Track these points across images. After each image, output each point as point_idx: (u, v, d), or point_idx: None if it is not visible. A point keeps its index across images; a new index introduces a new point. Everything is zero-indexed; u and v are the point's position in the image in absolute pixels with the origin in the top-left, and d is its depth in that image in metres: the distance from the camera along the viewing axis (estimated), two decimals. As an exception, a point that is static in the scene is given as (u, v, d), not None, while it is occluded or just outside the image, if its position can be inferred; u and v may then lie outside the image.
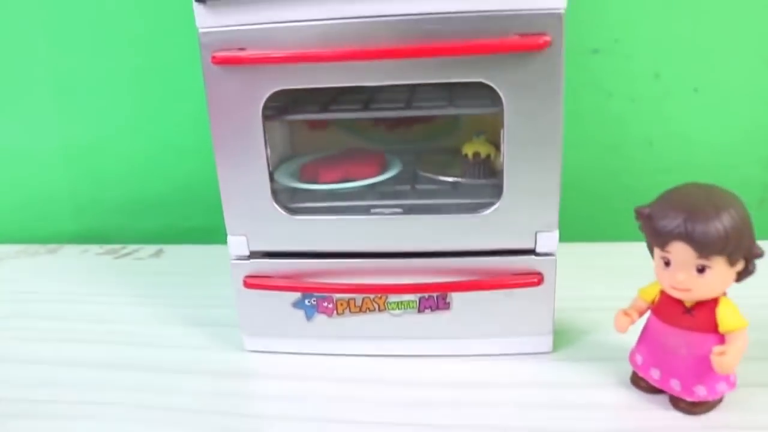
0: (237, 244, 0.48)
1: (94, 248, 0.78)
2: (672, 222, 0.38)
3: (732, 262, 0.38)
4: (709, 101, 0.74)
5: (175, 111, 0.80)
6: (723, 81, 0.74)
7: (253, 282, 0.49)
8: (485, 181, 0.48)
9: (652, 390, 0.44)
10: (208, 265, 0.69)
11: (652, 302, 0.43)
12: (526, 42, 0.40)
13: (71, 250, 0.78)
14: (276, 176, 0.50)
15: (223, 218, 0.48)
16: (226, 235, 0.49)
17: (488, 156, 0.50)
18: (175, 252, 0.75)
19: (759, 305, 0.52)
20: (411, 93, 0.52)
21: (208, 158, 0.48)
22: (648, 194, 0.77)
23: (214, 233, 0.66)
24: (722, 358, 0.39)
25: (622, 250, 0.59)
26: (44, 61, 0.80)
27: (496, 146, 0.50)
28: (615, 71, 0.74)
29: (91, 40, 0.78)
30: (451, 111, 0.49)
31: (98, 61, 0.79)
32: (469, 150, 0.50)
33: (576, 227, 0.76)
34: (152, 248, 0.77)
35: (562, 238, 0.60)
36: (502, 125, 0.43)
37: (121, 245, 0.78)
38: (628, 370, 0.46)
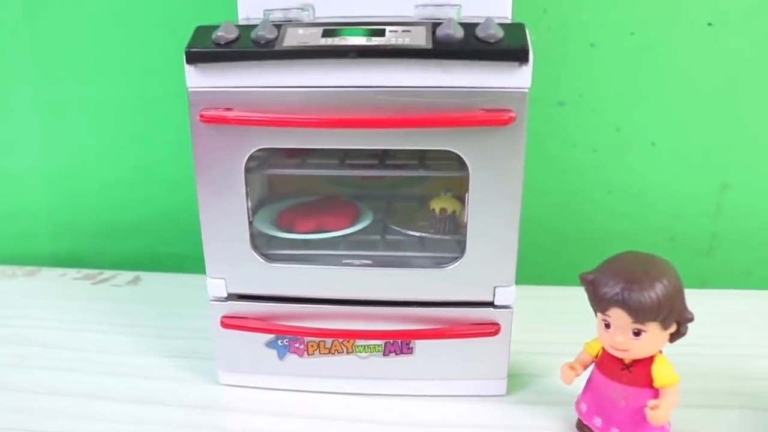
0: (216, 286, 0.52)
1: (72, 272, 0.80)
2: (611, 290, 0.42)
3: (665, 327, 0.43)
4: (665, 154, 0.79)
5: (154, 139, 0.83)
6: (678, 136, 0.79)
7: (229, 322, 0.52)
8: (450, 237, 0.52)
9: (594, 436, 0.48)
10: (184, 294, 0.72)
11: (596, 356, 0.47)
12: (492, 117, 0.44)
13: (49, 274, 0.80)
14: (255, 222, 0.53)
15: (198, 245, 0.51)
16: (201, 262, 0.51)
17: (454, 212, 0.54)
18: (152, 279, 0.78)
19: (695, 354, 0.57)
20: (385, 151, 0.55)
21: (185, 187, 0.51)
22: (607, 239, 0.82)
23: (189, 260, 0.69)
24: (656, 412, 0.43)
25: (578, 295, 0.63)
26: (28, 85, 0.82)
27: (462, 203, 0.54)
28: (579, 123, 0.79)
29: (75, 67, 0.81)
30: (421, 173, 0.53)
31: (81, 88, 0.82)
32: (436, 206, 0.54)
33: (537, 270, 0.81)
34: (129, 275, 0.79)
35: (523, 281, 0.64)
36: (467, 189, 0.47)
37: (98, 270, 0.80)
38: (575, 415, 0.50)
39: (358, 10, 0.55)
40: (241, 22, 0.56)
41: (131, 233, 0.86)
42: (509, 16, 0.57)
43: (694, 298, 0.70)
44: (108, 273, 0.80)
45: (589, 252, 0.82)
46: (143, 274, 0.79)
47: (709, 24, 0.74)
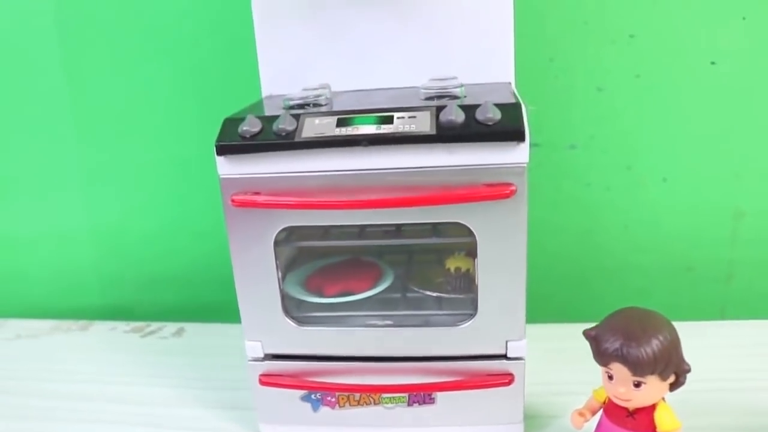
0: (253, 348, 0.57)
1: (122, 326, 0.86)
2: (611, 346, 0.46)
3: (663, 378, 0.46)
4: (677, 188, 0.82)
5: (192, 196, 0.89)
6: (689, 170, 0.81)
7: (266, 380, 0.57)
8: (464, 295, 0.56)
9: (606, 478, 0.51)
10: (226, 345, 0.77)
11: (604, 402, 0.51)
12: (494, 192, 0.48)
13: (100, 327, 0.86)
14: (285, 287, 0.58)
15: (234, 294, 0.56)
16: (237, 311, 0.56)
17: (468, 270, 0.58)
18: (196, 330, 0.83)
19: (710, 389, 0.60)
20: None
21: (222, 240, 0.56)
22: (623, 273, 0.85)
23: (230, 308, 0.74)
24: (659, 457, 0.47)
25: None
26: (73, 149, 0.89)
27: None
28: (591, 164, 0.82)
29: (114, 132, 0.88)
30: (434, 240, 0.57)
31: (121, 151, 0.89)
32: (451, 265, 0.58)
33: (558, 306, 0.84)
34: (174, 326, 0.85)
35: (543, 318, 0.67)
36: (476, 255, 0.51)
37: (145, 323, 0.86)
38: (588, 458, 0.53)
39: (370, 82, 0.61)
40: (264, 100, 0.62)
41: (174, 285, 0.93)
42: (512, 80, 0.61)
43: (712, 330, 0.73)
44: (155, 325, 0.86)
45: (608, 286, 0.86)
46: (187, 325, 0.85)
47: (712, 63, 0.77)
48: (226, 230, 0.54)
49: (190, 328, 0.84)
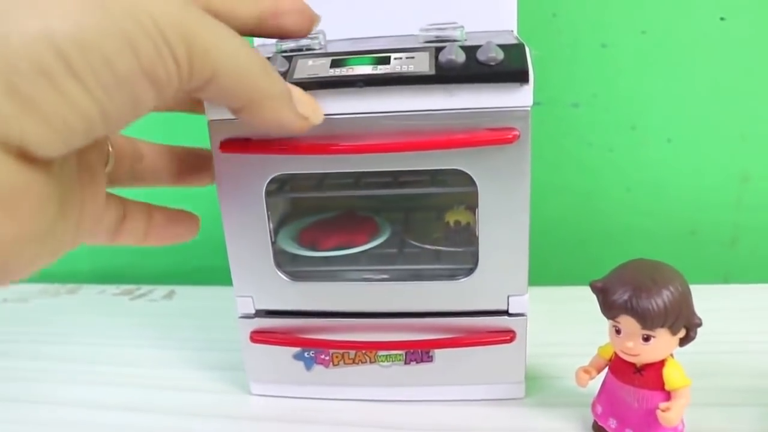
0: (244, 303, 0.54)
1: (111, 288, 0.84)
2: (620, 298, 0.44)
3: (674, 332, 0.44)
4: (682, 150, 0.80)
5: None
6: (694, 132, 0.79)
7: (258, 337, 0.55)
8: (464, 249, 0.54)
9: (610, 437, 0.50)
10: (217, 307, 0.75)
11: (610, 359, 0.49)
12: (496, 137, 0.46)
13: (89, 290, 0.84)
14: (278, 241, 0.56)
15: (226, 258, 0.54)
16: (230, 275, 0.54)
17: (468, 224, 0.56)
18: (186, 293, 0.81)
19: (714, 351, 0.58)
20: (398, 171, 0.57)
21: (213, 204, 0.54)
22: (626, 236, 0.83)
23: (220, 272, 0.72)
24: (667, 414, 0.45)
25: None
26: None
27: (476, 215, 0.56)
28: (594, 123, 0.80)
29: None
30: (433, 190, 0.55)
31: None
32: (450, 218, 0.56)
33: (558, 269, 0.82)
34: (164, 289, 0.83)
35: (544, 281, 0.65)
36: (477, 204, 0.49)
37: (135, 286, 0.84)
38: (592, 417, 0.51)
39: (367, 30, 0.58)
40: (256, 48, 0.59)
41: (165, 249, 0.90)
42: (515, 28, 0.58)
43: (717, 293, 0.72)
44: (145, 288, 0.84)
45: (610, 249, 0.84)
46: (178, 288, 0.83)
47: (722, 18, 0.75)
48: (215, 183, 0.51)
49: (181, 290, 0.82)
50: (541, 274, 0.61)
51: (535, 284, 0.53)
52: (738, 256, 0.84)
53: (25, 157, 0.29)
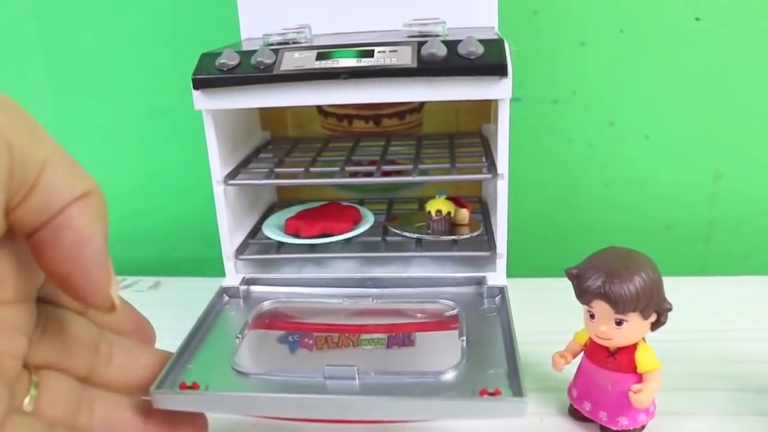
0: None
1: (97, 279, 0.84)
2: (594, 283, 0.45)
3: (645, 316, 0.46)
4: (659, 146, 0.82)
5: (164, 151, 0.87)
6: (671, 129, 0.81)
7: (243, 323, 0.56)
8: (446, 237, 0.56)
9: (585, 419, 0.51)
10: (203, 298, 0.75)
11: (585, 345, 0.51)
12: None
13: (76, 281, 0.84)
14: (264, 229, 0.57)
15: (212, 249, 0.55)
16: (216, 265, 0.55)
17: (449, 213, 0.57)
18: (172, 284, 0.82)
19: (684, 339, 0.60)
20: (382, 159, 0.59)
21: (200, 196, 0.55)
22: (604, 230, 0.85)
23: (205, 264, 0.73)
24: (638, 396, 0.46)
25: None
26: (45, 103, 0.86)
27: (457, 205, 0.57)
28: (573, 120, 0.82)
29: (88, 86, 0.85)
30: (417, 179, 0.56)
31: (94, 105, 0.86)
32: (432, 208, 0.57)
33: (539, 262, 0.84)
34: (150, 280, 0.83)
35: (525, 274, 0.66)
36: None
37: (122, 277, 0.85)
38: (568, 400, 0.53)
39: (352, 26, 0.59)
40: (243, 42, 0.60)
41: (150, 241, 0.91)
42: (495, 25, 0.60)
43: (692, 284, 0.74)
44: (131, 279, 0.84)
45: (588, 243, 0.85)
46: (163, 279, 0.84)
47: (697, 19, 0.77)
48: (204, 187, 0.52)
49: (167, 281, 0.83)
50: (520, 267, 0.63)
51: (516, 276, 0.55)
52: (712, 250, 0.86)
53: None
